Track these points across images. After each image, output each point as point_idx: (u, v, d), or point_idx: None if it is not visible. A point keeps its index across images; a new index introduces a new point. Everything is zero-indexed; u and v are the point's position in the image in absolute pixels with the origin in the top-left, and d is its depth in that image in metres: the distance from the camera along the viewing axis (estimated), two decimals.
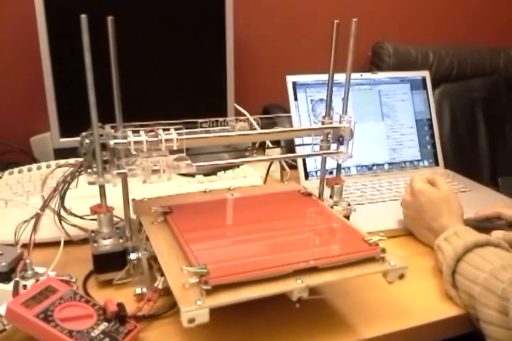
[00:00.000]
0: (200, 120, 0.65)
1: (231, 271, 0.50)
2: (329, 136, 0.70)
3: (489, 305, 0.58)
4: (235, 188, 0.74)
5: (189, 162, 0.59)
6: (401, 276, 0.56)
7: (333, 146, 0.71)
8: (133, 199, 0.68)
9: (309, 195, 0.72)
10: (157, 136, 0.57)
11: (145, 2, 0.96)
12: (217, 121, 0.67)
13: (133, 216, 0.66)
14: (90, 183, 0.58)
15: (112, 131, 0.57)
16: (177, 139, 0.58)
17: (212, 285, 0.48)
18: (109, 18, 0.52)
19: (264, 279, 0.51)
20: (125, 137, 0.57)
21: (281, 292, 0.51)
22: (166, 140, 0.57)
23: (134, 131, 0.57)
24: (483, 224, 0.77)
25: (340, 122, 0.69)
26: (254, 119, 0.74)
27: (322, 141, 0.70)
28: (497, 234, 0.72)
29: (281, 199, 0.71)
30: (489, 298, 0.58)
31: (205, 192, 0.73)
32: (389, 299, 0.65)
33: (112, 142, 0.57)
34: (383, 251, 0.57)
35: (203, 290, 0.48)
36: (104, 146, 0.57)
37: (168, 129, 0.58)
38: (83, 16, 0.51)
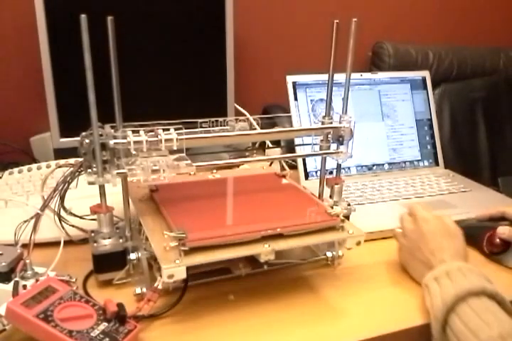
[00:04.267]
0: (200, 120, 0.65)
1: (206, 235, 0.56)
2: (329, 136, 0.70)
3: None
4: (217, 171, 0.80)
5: (189, 162, 0.59)
6: (358, 243, 0.60)
7: (333, 146, 0.70)
8: None
9: (283, 176, 0.78)
10: (157, 136, 0.57)
11: (145, 2, 0.96)
12: (217, 121, 0.67)
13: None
14: (90, 183, 0.58)
15: (112, 130, 0.57)
16: (177, 139, 0.58)
17: (190, 247, 0.54)
18: (109, 18, 0.52)
19: (236, 243, 0.57)
20: (125, 137, 0.57)
21: (250, 254, 0.57)
22: (166, 140, 0.57)
23: (133, 131, 0.57)
24: (486, 224, 0.76)
25: (340, 122, 0.69)
26: (254, 119, 0.74)
27: (322, 141, 0.70)
28: (503, 230, 0.71)
29: (257, 179, 0.77)
30: None
31: (189, 174, 0.77)
32: (389, 299, 0.65)
33: (111, 142, 0.57)
34: (343, 221, 0.61)
35: (181, 251, 0.54)
36: (104, 146, 0.57)
37: (168, 129, 0.58)
38: (83, 16, 0.51)
